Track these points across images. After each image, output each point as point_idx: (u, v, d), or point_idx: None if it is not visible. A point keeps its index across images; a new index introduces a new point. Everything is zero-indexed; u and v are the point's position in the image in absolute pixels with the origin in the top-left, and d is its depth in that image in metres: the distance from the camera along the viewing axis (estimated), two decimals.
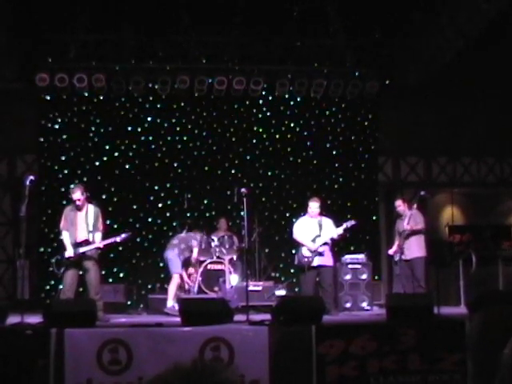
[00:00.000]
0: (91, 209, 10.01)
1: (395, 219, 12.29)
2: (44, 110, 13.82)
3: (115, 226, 13.16)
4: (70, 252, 9.72)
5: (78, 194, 9.85)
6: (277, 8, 12.68)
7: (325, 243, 10.89)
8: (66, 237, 9.91)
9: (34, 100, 13.70)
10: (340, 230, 10.94)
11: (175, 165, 14.01)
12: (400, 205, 11.74)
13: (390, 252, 11.69)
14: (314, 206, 11.09)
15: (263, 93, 13.95)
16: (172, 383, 1.57)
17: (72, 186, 10.20)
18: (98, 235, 9.92)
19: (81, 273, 9.94)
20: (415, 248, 11.37)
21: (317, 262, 10.84)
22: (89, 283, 9.81)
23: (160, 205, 13.84)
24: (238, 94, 13.75)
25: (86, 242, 9.82)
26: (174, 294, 11.21)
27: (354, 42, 13.58)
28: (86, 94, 13.61)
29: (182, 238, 11.80)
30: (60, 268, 9.80)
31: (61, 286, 10.24)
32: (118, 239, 10.03)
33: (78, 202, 9.85)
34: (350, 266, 12.22)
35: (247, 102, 14.19)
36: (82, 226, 9.87)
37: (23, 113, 13.73)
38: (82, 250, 9.73)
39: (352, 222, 10.97)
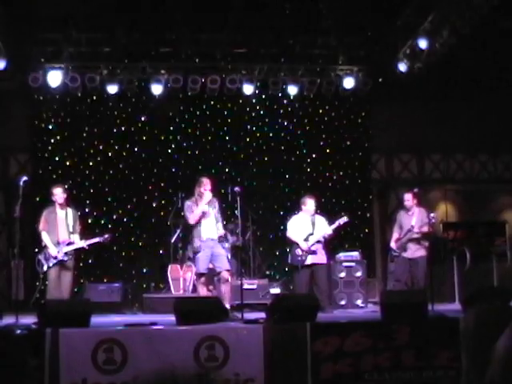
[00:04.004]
0: (70, 211, 10.37)
1: (396, 210, 12.18)
2: (37, 110, 13.80)
3: (109, 226, 13.18)
4: (53, 251, 9.97)
5: (60, 191, 10.27)
6: (269, 6, 12.67)
7: (318, 241, 10.92)
8: (46, 237, 10.22)
9: (27, 100, 13.68)
10: (333, 227, 10.96)
11: (169, 164, 14.01)
12: (409, 199, 11.40)
13: (392, 245, 11.46)
14: (311, 202, 11.13)
15: (256, 91, 13.94)
16: None
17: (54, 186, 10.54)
18: (77, 237, 10.29)
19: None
20: (419, 247, 11.20)
21: (310, 260, 10.87)
22: (65, 283, 10.08)
23: (154, 204, 13.84)
24: (231, 92, 13.74)
25: (69, 243, 10.15)
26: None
27: (347, 39, 13.57)
28: (79, 94, 13.59)
29: None
30: (42, 267, 10.04)
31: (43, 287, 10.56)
32: (101, 240, 10.45)
33: (60, 200, 10.22)
34: (344, 264, 12.24)
35: (240, 101, 14.17)
36: (63, 228, 10.22)
37: (16, 113, 13.71)
38: (65, 249, 10.00)
39: (345, 219, 10.99)
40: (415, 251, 11.20)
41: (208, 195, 10.14)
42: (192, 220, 10.17)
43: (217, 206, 10.30)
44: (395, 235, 11.49)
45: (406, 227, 11.31)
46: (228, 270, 10.12)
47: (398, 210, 12.15)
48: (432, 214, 11.02)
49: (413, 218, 11.30)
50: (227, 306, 9.60)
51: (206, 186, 10.20)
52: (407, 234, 11.25)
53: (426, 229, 11.13)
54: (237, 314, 9.02)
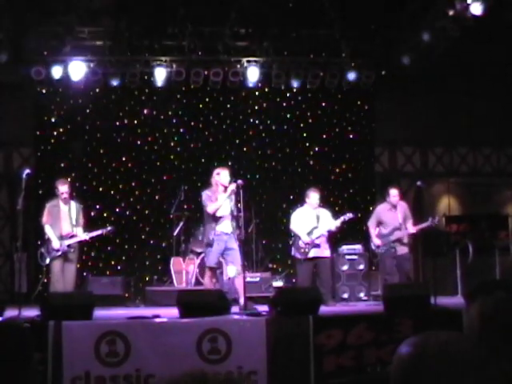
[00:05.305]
0: (73, 204, 10.41)
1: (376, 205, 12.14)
2: (40, 103, 13.80)
3: (112, 219, 13.19)
4: (56, 244, 10.01)
5: (65, 187, 10.27)
6: None
7: (321, 235, 10.91)
8: (49, 230, 10.24)
9: (31, 93, 13.67)
10: (338, 223, 10.93)
11: (172, 157, 14.00)
12: (396, 195, 11.26)
13: (379, 243, 11.33)
14: (316, 196, 11.09)
15: (259, 84, 13.91)
16: None
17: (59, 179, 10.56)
18: (80, 230, 10.33)
19: None
20: (404, 242, 11.19)
21: (313, 253, 10.86)
22: (68, 276, 10.14)
23: (157, 197, 13.85)
24: (234, 85, 13.72)
25: (71, 236, 10.20)
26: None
27: (350, 32, 13.53)
28: (82, 87, 13.58)
29: None
30: (44, 260, 10.10)
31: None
32: (103, 232, 10.51)
33: (65, 195, 10.24)
34: (347, 257, 12.23)
35: (243, 94, 14.16)
36: (67, 221, 10.26)
37: (19, 106, 13.69)
38: (67, 242, 10.06)
39: (350, 215, 10.94)
40: (402, 249, 11.15)
41: (231, 187, 9.66)
42: (211, 209, 9.67)
43: (233, 199, 9.79)
44: (374, 231, 11.35)
45: (392, 224, 11.20)
46: (241, 265, 9.73)
47: (377, 204, 12.12)
48: (434, 219, 11.00)
49: (397, 214, 11.19)
50: (242, 299, 9.48)
51: (224, 179, 9.82)
52: (395, 233, 11.16)
53: (411, 222, 11.16)
54: (254, 306, 9.17)
